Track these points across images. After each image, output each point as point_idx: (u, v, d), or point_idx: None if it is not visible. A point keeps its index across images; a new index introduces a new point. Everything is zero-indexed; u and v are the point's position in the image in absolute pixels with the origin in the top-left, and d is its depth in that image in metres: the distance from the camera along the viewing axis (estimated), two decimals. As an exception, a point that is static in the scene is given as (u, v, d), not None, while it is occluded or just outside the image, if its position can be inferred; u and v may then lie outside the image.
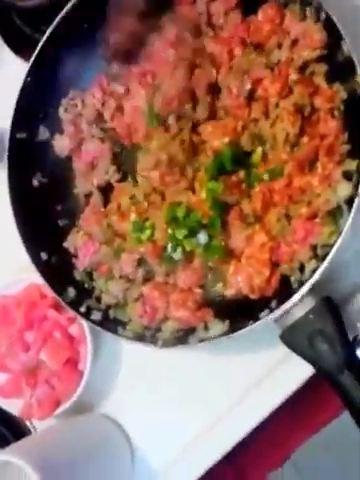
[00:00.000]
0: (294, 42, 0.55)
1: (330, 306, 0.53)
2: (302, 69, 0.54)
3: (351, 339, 0.61)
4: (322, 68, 0.54)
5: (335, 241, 0.51)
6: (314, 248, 0.53)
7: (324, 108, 0.52)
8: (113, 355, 0.67)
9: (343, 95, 0.52)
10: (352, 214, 0.50)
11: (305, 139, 0.53)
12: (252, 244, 0.56)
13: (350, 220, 0.50)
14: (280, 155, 0.54)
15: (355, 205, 0.50)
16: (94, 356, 0.64)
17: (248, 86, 0.54)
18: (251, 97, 0.55)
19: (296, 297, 0.52)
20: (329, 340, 0.51)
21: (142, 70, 0.61)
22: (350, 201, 0.51)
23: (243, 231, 0.56)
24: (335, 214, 0.52)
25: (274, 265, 0.55)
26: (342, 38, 0.52)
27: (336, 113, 0.52)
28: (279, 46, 0.56)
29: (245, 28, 0.56)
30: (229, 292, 0.58)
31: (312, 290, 0.52)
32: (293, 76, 0.53)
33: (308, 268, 0.53)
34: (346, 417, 0.53)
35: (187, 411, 0.64)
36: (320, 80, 0.53)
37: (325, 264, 0.51)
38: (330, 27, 0.53)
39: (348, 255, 0.58)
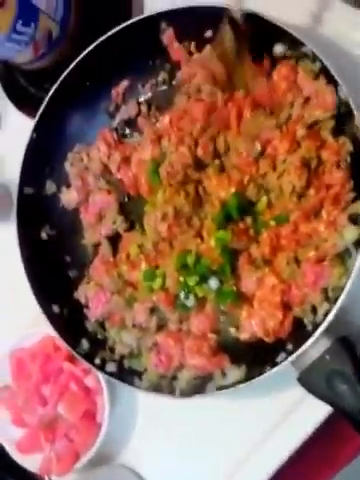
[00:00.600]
0: (306, 100, 0.56)
1: (346, 345, 0.53)
2: (311, 126, 0.55)
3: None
4: (329, 124, 0.55)
5: (345, 283, 0.51)
6: (325, 291, 0.54)
7: (331, 160, 0.53)
8: (130, 404, 0.67)
9: (349, 147, 0.53)
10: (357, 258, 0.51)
11: (312, 191, 0.54)
12: (263, 287, 0.56)
13: (359, 262, 0.51)
14: (286, 204, 0.55)
15: None
16: (111, 406, 0.64)
17: (258, 148, 0.55)
18: (260, 154, 0.56)
19: (311, 339, 0.52)
20: (347, 380, 0.51)
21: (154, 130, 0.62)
22: (358, 243, 0.52)
23: (253, 274, 0.57)
24: (343, 257, 0.53)
25: (286, 308, 0.56)
26: (338, 84, 0.53)
27: (342, 164, 0.53)
28: (291, 104, 0.56)
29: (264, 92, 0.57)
30: (243, 336, 0.58)
31: (327, 330, 0.52)
32: (300, 131, 0.54)
33: (320, 311, 0.54)
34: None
35: (206, 458, 0.64)
36: (327, 134, 0.54)
37: (337, 306, 0.52)
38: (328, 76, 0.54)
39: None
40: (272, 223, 0.56)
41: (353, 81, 0.54)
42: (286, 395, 0.61)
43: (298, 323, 0.56)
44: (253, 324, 0.56)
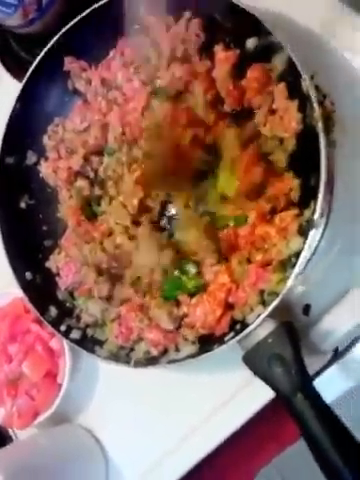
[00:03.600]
0: (272, 111, 0.58)
1: (289, 330, 0.55)
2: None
3: (332, 352, 0.65)
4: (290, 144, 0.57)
5: (281, 290, 0.53)
6: (262, 294, 0.56)
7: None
8: (91, 370, 0.71)
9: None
10: (297, 268, 0.52)
11: (269, 190, 0.56)
12: (216, 282, 0.59)
13: (294, 274, 0.52)
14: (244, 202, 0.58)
15: (300, 259, 0.52)
16: (72, 370, 0.68)
17: None
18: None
19: (255, 322, 0.54)
20: (285, 363, 0.54)
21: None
22: (298, 254, 0.53)
23: (213, 267, 0.59)
24: (286, 264, 0.54)
25: (229, 307, 0.58)
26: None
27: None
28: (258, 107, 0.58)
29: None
30: (188, 320, 0.60)
31: (273, 315, 0.54)
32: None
33: (254, 313, 0.55)
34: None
35: (159, 426, 0.68)
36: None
37: (267, 312, 0.53)
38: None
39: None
40: (231, 223, 0.58)
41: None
42: (236, 375, 0.64)
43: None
44: (197, 313, 0.59)
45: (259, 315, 0.54)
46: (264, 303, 0.55)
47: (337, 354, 0.65)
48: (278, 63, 0.57)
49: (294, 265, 0.53)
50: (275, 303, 0.53)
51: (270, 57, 0.58)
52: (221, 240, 0.59)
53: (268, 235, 0.56)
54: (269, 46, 0.57)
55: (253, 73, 0.58)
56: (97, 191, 0.67)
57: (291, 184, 0.55)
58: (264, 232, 0.56)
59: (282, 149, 0.57)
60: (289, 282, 0.53)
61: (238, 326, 0.57)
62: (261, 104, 0.58)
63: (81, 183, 0.67)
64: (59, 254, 0.68)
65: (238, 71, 0.60)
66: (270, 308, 0.53)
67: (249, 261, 0.58)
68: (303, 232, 0.53)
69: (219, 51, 0.60)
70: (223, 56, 0.60)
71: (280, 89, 0.57)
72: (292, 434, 0.72)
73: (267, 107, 0.58)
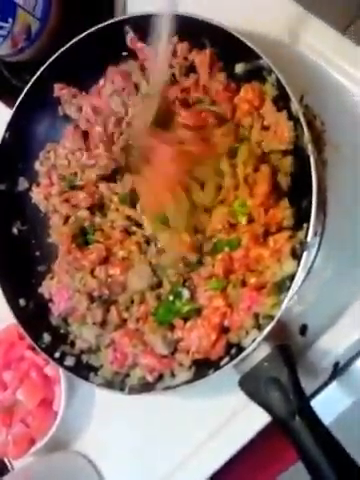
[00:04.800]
0: (265, 128, 0.58)
1: (284, 354, 0.55)
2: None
3: (332, 367, 0.65)
4: (287, 160, 0.56)
5: (275, 314, 0.53)
6: (257, 317, 0.55)
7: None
8: (87, 396, 0.70)
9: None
10: (291, 292, 0.52)
11: (262, 213, 0.56)
12: (210, 306, 0.58)
13: (288, 297, 0.52)
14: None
15: (294, 282, 0.52)
16: (68, 396, 0.67)
17: None
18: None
19: (250, 347, 0.54)
20: (281, 387, 0.54)
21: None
22: (293, 278, 0.53)
23: (207, 291, 0.59)
24: (280, 287, 0.54)
25: (224, 331, 0.57)
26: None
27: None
28: (250, 127, 0.59)
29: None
30: (183, 344, 0.60)
31: (268, 338, 0.54)
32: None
33: (249, 337, 0.55)
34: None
35: (156, 451, 0.68)
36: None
37: (262, 336, 0.53)
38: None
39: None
40: (226, 249, 0.58)
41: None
42: (232, 399, 0.64)
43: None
44: (192, 337, 0.59)
45: (255, 339, 0.54)
46: (259, 327, 0.55)
47: (337, 370, 0.65)
48: (269, 84, 0.58)
49: (288, 288, 0.53)
50: (270, 327, 0.53)
51: (264, 77, 0.58)
52: (217, 265, 0.58)
53: (261, 257, 0.56)
54: (259, 69, 0.58)
55: (246, 94, 0.59)
56: (97, 219, 0.67)
57: (285, 213, 0.55)
58: (258, 254, 0.56)
59: (284, 171, 0.57)
60: (283, 306, 0.53)
61: (234, 350, 0.57)
62: (252, 123, 0.59)
63: (83, 212, 0.67)
64: (51, 279, 0.67)
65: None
66: (265, 332, 0.53)
67: (244, 284, 0.58)
68: (296, 255, 0.53)
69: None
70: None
71: (268, 107, 0.58)
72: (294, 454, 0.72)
73: (259, 125, 0.58)
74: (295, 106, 0.55)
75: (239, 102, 0.59)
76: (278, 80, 0.56)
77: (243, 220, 0.57)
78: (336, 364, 0.64)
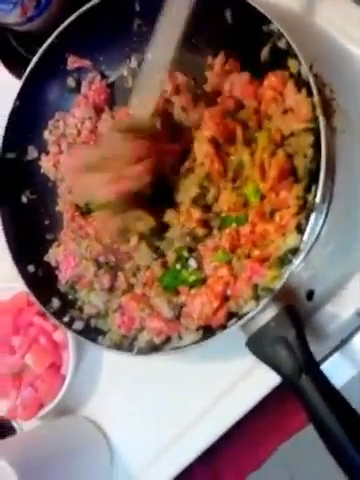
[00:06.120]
0: (285, 111, 0.58)
1: (291, 314, 0.56)
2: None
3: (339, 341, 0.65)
4: (308, 138, 0.56)
5: (275, 286, 0.54)
6: (256, 288, 0.56)
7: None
8: (94, 361, 0.71)
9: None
10: (293, 265, 0.53)
11: (272, 194, 0.56)
12: (215, 275, 0.59)
13: (289, 271, 0.53)
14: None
15: (297, 255, 0.53)
16: (76, 361, 0.68)
17: None
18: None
19: (258, 308, 0.55)
20: (288, 345, 0.54)
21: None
22: (295, 251, 0.53)
23: (213, 261, 0.60)
24: (283, 261, 0.54)
25: (227, 300, 0.58)
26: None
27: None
28: (269, 117, 0.59)
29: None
30: (187, 309, 0.61)
31: (275, 298, 0.55)
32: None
33: (246, 307, 0.56)
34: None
35: (164, 415, 0.68)
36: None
37: (258, 308, 0.54)
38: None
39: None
40: (233, 225, 0.59)
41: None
42: (239, 362, 0.64)
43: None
44: (195, 303, 0.60)
45: (252, 309, 0.55)
46: (257, 298, 0.56)
47: (342, 341, 0.66)
48: (291, 65, 0.58)
49: (290, 261, 0.54)
50: (266, 300, 0.54)
51: (285, 62, 0.58)
52: (224, 240, 0.59)
53: (267, 232, 0.57)
54: (281, 55, 0.58)
55: (269, 82, 0.59)
56: None
57: (294, 202, 0.55)
58: (263, 230, 0.57)
59: (302, 152, 0.57)
60: (283, 279, 0.53)
61: (234, 319, 0.58)
62: (275, 109, 0.59)
63: None
64: (58, 247, 0.68)
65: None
66: (261, 304, 0.54)
67: (249, 257, 0.58)
68: (301, 229, 0.54)
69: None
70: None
71: (289, 88, 0.58)
72: (297, 423, 0.73)
73: (281, 109, 0.58)
74: (304, 69, 0.55)
75: (263, 91, 0.60)
76: (297, 57, 0.56)
77: (255, 200, 0.58)
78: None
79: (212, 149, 0.59)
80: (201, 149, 0.60)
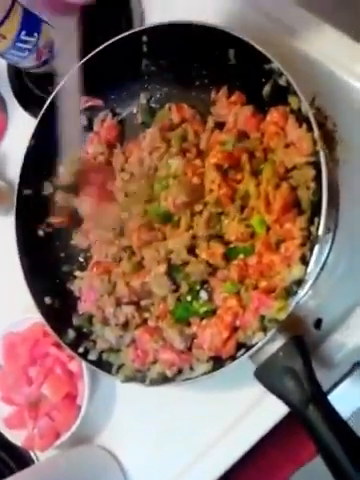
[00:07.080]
0: (287, 145, 0.59)
1: (299, 344, 0.57)
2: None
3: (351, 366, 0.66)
4: (310, 172, 0.57)
5: (281, 317, 0.55)
6: (263, 319, 0.57)
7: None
8: (109, 390, 0.73)
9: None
10: (299, 296, 0.54)
11: (277, 225, 0.58)
12: (224, 306, 0.61)
13: (295, 302, 0.54)
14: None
15: (305, 287, 0.54)
16: (91, 391, 0.70)
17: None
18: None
19: (266, 338, 0.56)
20: (296, 376, 0.55)
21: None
22: (300, 283, 0.55)
23: (223, 292, 0.61)
24: (288, 292, 0.56)
25: (236, 331, 0.59)
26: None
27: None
28: (272, 150, 0.60)
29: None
30: (198, 341, 0.62)
31: (282, 329, 0.56)
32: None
33: (254, 338, 0.57)
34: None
35: (176, 444, 0.69)
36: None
37: (266, 338, 0.55)
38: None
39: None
40: (241, 256, 0.60)
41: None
42: (248, 392, 0.65)
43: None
44: (205, 334, 0.61)
45: (260, 340, 0.56)
46: (265, 329, 0.57)
47: (354, 365, 0.66)
48: (292, 101, 0.59)
49: (296, 292, 0.55)
50: (273, 331, 0.55)
51: (286, 98, 0.60)
52: (232, 271, 0.61)
53: (273, 263, 0.58)
54: (282, 92, 0.60)
55: (271, 117, 0.61)
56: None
57: (299, 233, 0.57)
58: (270, 261, 0.58)
59: (305, 185, 0.58)
60: (288, 310, 0.55)
61: (243, 350, 0.59)
62: (277, 143, 0.61)
63: None
64: (82, 280, 0.70)
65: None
66: (269, 335, 0.55)
67: (256, 288, 0.59)
68: (306, 260, 0.55)
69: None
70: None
71: (291, 123, 0.60)
72: (309, 453, 0.73)
73: (283, 143, 0.60)
74: (305, 106, 0.57)
75: (266, 126, 0.62)
76: (297, 94, 0.57)
77: (262, 231, 0.59)
78: (357, 363, 0.65)
79: (219, 175, 0.61)
80: (209, 176, 0.62)
